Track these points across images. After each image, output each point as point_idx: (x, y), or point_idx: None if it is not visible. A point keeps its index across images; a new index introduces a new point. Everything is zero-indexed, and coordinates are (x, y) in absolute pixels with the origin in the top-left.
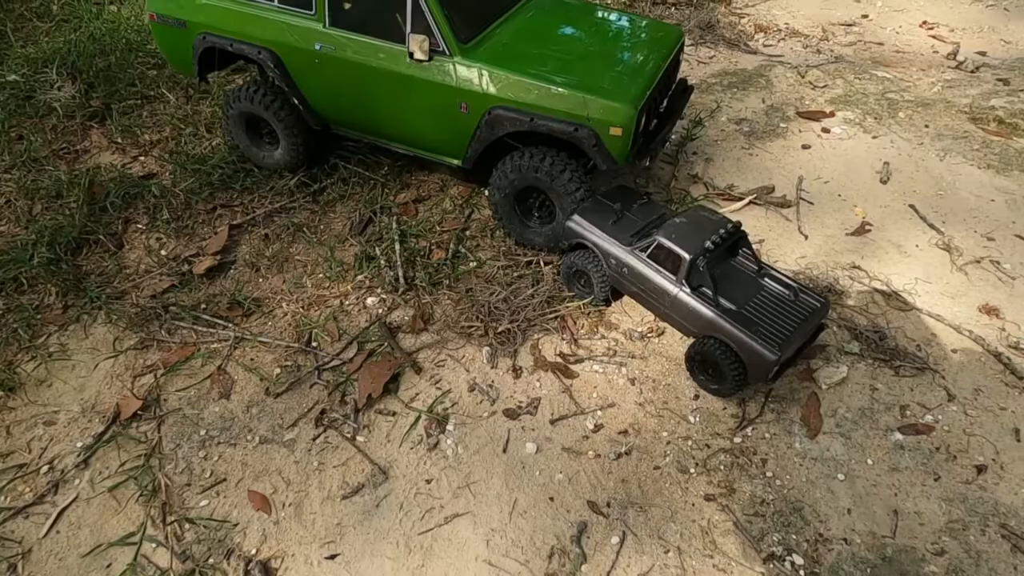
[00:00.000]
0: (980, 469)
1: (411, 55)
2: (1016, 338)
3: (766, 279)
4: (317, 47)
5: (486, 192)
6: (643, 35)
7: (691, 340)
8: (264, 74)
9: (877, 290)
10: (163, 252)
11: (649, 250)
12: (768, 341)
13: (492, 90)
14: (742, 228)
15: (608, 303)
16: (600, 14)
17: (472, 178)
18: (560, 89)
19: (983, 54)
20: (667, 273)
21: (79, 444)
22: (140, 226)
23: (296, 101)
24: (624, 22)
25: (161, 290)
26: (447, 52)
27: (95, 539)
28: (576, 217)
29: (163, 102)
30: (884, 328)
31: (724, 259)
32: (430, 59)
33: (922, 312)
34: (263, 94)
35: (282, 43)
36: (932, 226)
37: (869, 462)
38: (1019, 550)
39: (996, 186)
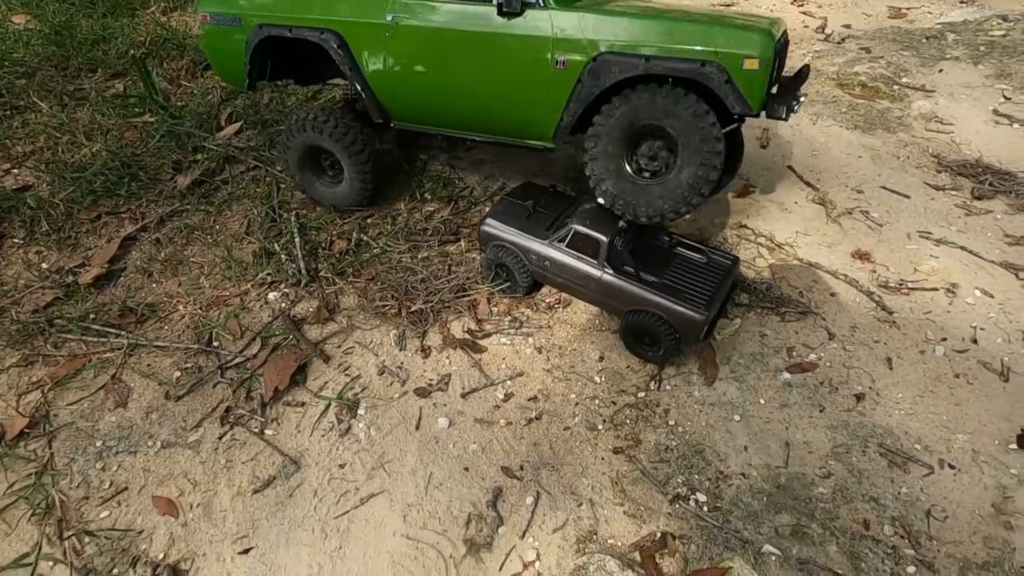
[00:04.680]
0: (859, 397)
1: (500, 7)
2: (885, 278)
3: (678, 248)
4: (389, 18)
5: (584, 145)
6: (749, 14)
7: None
8: (338, 72)
9: (762, 245)
10: (44, 265)
11: (567, 239)
12: (694, 304)
13: (596, 36)
14: None
15: (530, 293)
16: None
17: None
18: (681, 23)
19: (848, 27)
20: (588, 258)
21: None
22: (17, 240)
23: (359, 87)
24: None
25: (44, 304)
26: (541, 3)
27: None
28: (489, 220)
29: (35, 111)
30: (770, 279)
31: (637, 236)
32: (521, 11)
33: (803, 262)
34: (333, 124)
35: (348, 21)
36: (808, 184)
37: (762, 402)
38: (895, 465)
39: (863, 144)
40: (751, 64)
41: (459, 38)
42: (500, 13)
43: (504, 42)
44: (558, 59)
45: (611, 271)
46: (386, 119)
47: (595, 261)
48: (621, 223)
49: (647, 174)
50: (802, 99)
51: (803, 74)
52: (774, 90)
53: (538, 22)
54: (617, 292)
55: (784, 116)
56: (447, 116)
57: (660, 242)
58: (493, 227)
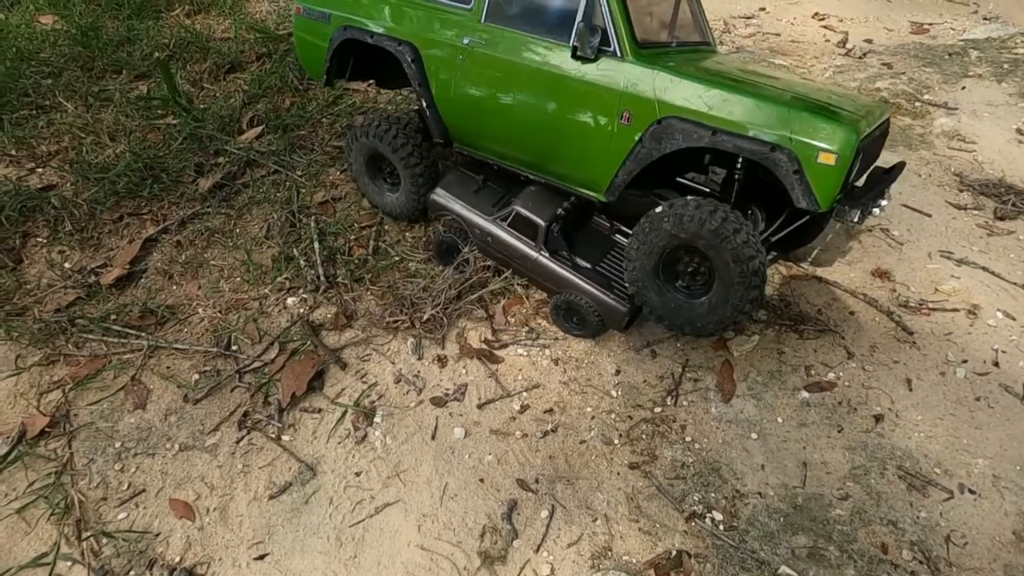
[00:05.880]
0: (878, 418)
1: (575, 50)
2: (905, 297)
3: (617, 235)
4: (464, 42)
5: (625, 254)
6: (848, 95)
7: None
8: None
9: (780, 261)
10: (67, 265)
11: (509, 219)
12: (620, 295)
13: (667, 97)
14: None
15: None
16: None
17: None
18: (757, 101)
19: (869, 42)
20: (527, 239)
21: None
22: (40, 239)
23: (424, 103)
24: (821, 83)
25: (66, 303)
26: (618, 52)
27: (3, 564)
28: (439, 190)
29: (60, 111)
30: (788, 296)
31: (581, 219)
32: (596, 58)
33: (822, 279)
34: (393, 133)
35: (426, 37)
36: None
37: (779, 420)
38: (914, 488)
39: (883, 160)
40: (826, 159)
41: (529, 74)
42: (574, 56)
43: (573, 86)
44: (624, 113)
45: (547, 254)
46: (446, 139)
47: (533, 243)
48: (559, 210)
49: (689, 288)
50: (883, 204)
51: (894, 173)
52: (860, 182)
53: (611, 71)
54: (550, 275)
55: (856, 220)
56: (505, 148)
57: (602, 228)
58: (442, 197)
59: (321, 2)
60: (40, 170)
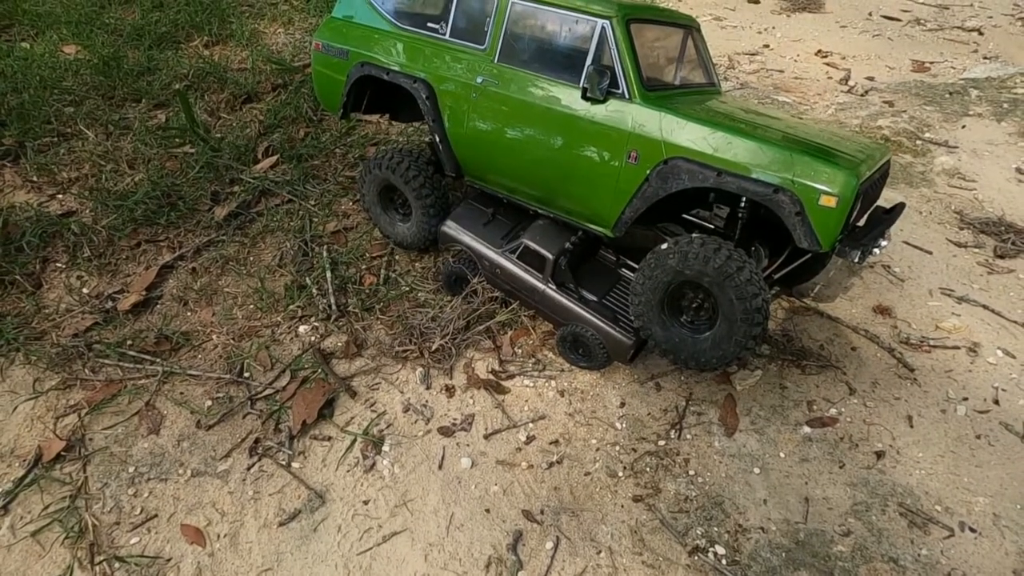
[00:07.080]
0: (879, 455)
1: (585, 92)
2: (906, 334)
3: (623, 269)
4: (478, 80)
5: (631, 288)
6: (851, 136)
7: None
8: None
9: (782, 297)
10: (85, 290)
11: (518, 252)
12: (625, 328)
13: (673, 138)
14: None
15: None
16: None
17: None
18: (760, 144)
19: (871, 79)
20: (534, 272)
21: None
22: (59, 265)
23: (437, 138)
24: (824, 125)
25: (83, 328)
26: (626, 94)
27: None
28: (450, 222)
29: (81, 139)
30: (791, 331)
31: (588, 253)
32: (605, 99)
33: (824, 315)
34: (406, 166)
35: (441, 75)
36: None
37: (781, 455)
38: (915, 525)
39: (884, 198)
40: (828, 201)
41: (540, 112)
42: (584, 97)
43: (582, 126)
44: (631, 152)
45: (554, 287)
46: (458, 173)
47: (540, 275)
48: (567, 244)
49: (693, 323)
50: (884, 245)
51: (895, 214)
52: (861, 221)
53: (619, 113)
54: (556, 306)
55: (857, 260)
56: (515, 183)
57: (608, 261)
58: (452, 229)
59: (340, 39)
60: (60, 196)
